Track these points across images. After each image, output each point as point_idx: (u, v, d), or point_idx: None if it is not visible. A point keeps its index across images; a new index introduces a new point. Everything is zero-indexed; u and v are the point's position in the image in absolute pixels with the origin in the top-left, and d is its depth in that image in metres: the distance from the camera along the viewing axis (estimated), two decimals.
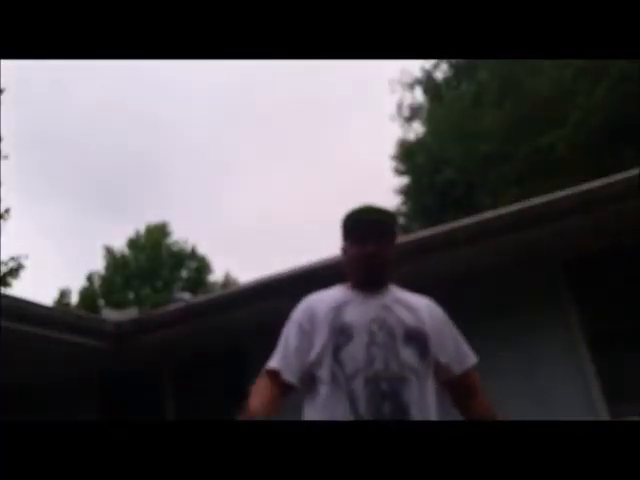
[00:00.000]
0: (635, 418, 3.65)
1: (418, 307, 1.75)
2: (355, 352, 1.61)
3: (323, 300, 1.77)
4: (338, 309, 1.70)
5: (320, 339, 1.67)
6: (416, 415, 1.60)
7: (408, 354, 1.63)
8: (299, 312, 1.81)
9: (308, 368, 1.69)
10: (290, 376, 1.69)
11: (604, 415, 3.83)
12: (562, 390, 4.00)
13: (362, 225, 1.78)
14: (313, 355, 1.68)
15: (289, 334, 1.77)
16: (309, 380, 1.70)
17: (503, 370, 4.21)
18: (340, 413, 1.61)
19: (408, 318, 1.69)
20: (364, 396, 1.59)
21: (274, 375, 1.71)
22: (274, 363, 1.74)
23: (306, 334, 1.71)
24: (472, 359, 1.80)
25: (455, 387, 1.77)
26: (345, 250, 1.84)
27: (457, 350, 1.78)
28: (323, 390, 1.65)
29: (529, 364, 4.17)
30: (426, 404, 1.64)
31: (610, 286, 4.13)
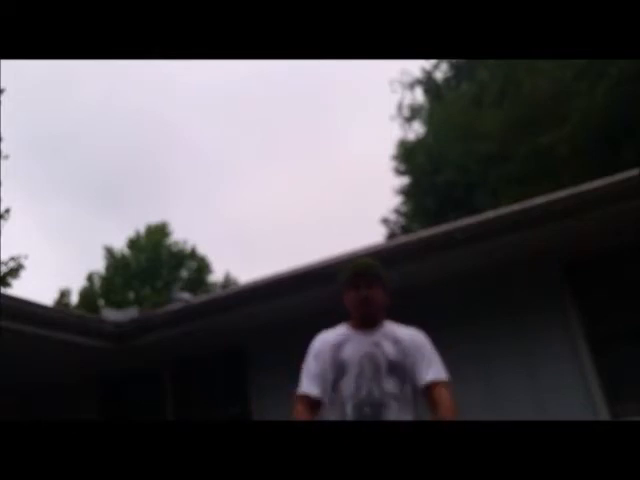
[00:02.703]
0: (635, 418, 3.65)
1: (402, 339, 2.16)
2: (348, 383, 2.07)
3: (328, 339, 2.22)
4: (338, 347, 2.15)
5: (325, 370, 2.13)
6: None
7: (390, 383, 2.06)
8: (314, 347, 2.24)
9: (325, 388, 2.12)
10: (318, 394, 2.11)
11: (604, 415, 3.83)
12: (562, 390, 4.00)
13: (357, 275, 2.23)
14: (327, 381, 2.12)
15: (309, 364, 2.20)
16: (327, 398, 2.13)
17: (503, 370, 4.22)
18: None
19: (392, 352, 2.11)
20: (352, 417, 2.03)
21: (306, 398, 2.12)
22: (303, 389, 2.15)
23: (320, 362, 2.16)
24: (441, 375, 2.12)
25: (426, 396, 2.09)
26: (346, 296, 2.25)
27: (429, 366, 2.13)
28: (325, 411, 2.11)
29: (529, 364, 4.17)
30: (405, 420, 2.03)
31: (610, 286, 4.13)
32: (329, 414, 2.11)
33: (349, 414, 2.03)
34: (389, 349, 2.11)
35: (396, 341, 2.14)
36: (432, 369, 2.13)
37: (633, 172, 3.65)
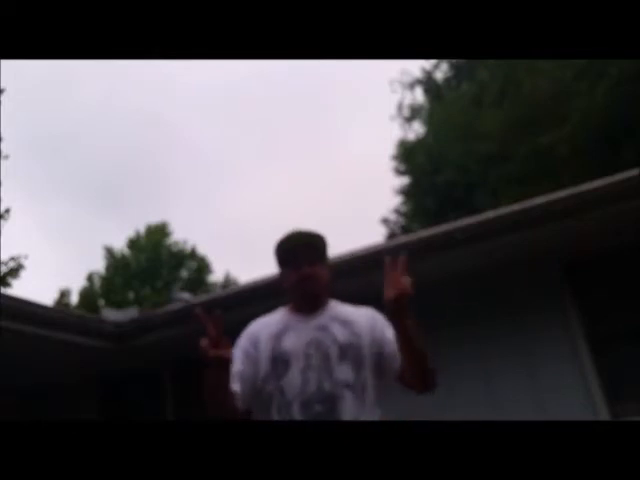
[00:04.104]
0: (635, 418, 3.65)
1: (354, 320, 1.84)
2: (293, 379, 1.72)
3: (265, 327, 1.87)
4: (277, 337, 1.80)
5: (263, 366, 1.77)
6: None
7: (343, 370, 1.73)
8: (244, 339, 1.87)
9: (255, 391, 1.76)
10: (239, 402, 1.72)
11: (604, 415, 3.83)
12: (562, 390, 4.00)
13: (295, 250, 1.87)
14: (259, 380, 1.76)
15: (238, 360, 1.78)
16: (258, 401, 1.77)
17: (503, 370, 4.22)
18: None
19: (343, 334, 1.78)
20: (299, 419, 1.68)
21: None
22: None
23: (251, 359, 1.79)
24: None
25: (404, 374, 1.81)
26: (282, 276, 1.91)
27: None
28: (269, 416, 1.74)
29: (529, 364, 4.17)
30: (363, 414, 1.72)
31: (610, 286, 4.13)
32: (272, 419, 1.74)
33: (296, 415, 1.68)
34: (338, 331, 1.79)
35: (346, 322, 1.82)
36: None
37: (633, 172, 3.65)
